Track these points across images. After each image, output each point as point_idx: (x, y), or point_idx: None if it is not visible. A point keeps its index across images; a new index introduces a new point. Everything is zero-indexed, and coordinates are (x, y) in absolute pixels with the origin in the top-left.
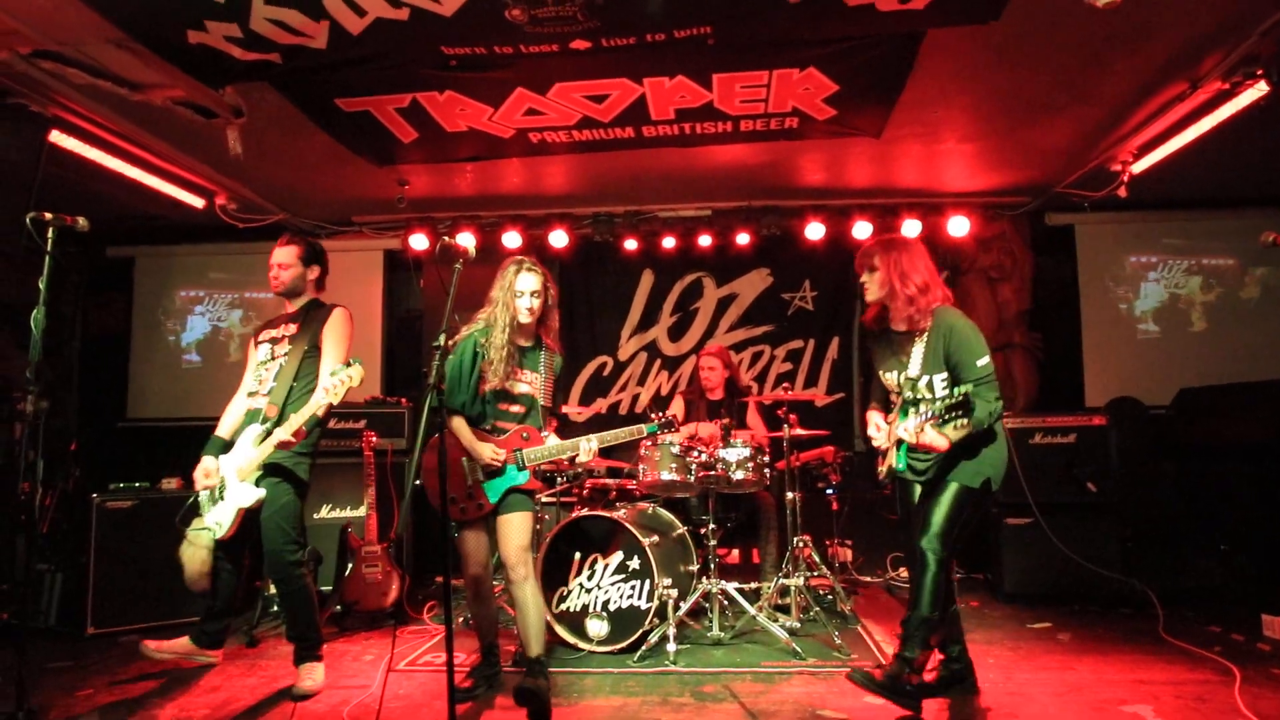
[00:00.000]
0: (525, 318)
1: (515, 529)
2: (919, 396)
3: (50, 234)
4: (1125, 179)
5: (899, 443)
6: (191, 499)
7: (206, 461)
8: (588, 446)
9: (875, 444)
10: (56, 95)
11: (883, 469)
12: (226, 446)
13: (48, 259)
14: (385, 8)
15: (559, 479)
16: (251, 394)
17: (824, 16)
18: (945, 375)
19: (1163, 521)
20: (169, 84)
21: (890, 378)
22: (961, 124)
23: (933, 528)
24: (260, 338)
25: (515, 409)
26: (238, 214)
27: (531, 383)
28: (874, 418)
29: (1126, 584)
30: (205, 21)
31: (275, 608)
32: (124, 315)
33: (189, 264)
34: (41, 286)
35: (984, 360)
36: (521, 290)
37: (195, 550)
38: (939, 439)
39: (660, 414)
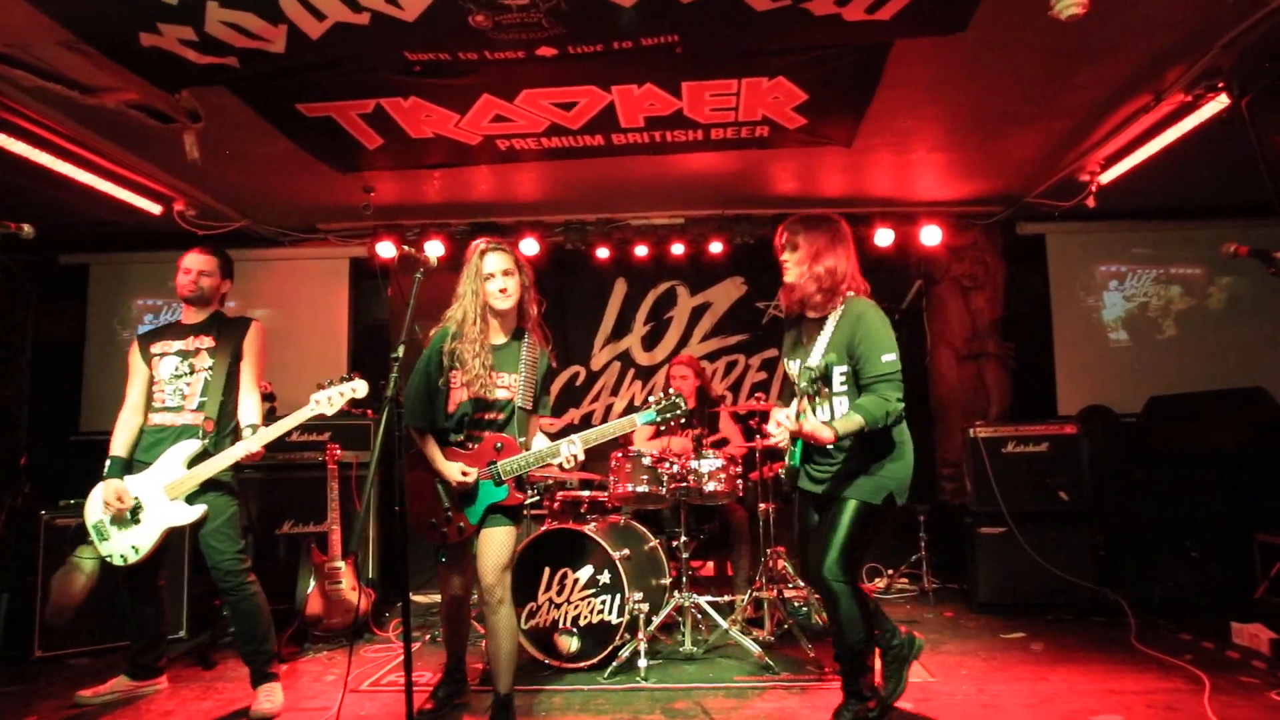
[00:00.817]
0: (500, 302)
1: (493, 547)
2: (814, 386)
3: None
4: (1093, 189)
5: (794, 438)
6: (77, 525)
7: (114, 484)
8: (570, 451)
9: (776, 441)
10: (3, 98)
11: (783, 470)
12: (127, 466)
13: None
14: (345, 11)
15: (529, 490)
16: (172, 409)
17: (791, 26)
18: (846, 368)
19: (1135, 530)
20: (122, 87)
21: (792, 367)
22: (931, 134)
23: (832, 552)
24: (155, 350)
25: (492, 416)
26: (197, 221)
27: (510, 386)
28: (776, 414)
29: (1099, 593)
30: (158, 24)
31: (232, 628)
32: (78, 325)
33: (146, 272)
34: None
35: (890, 356)
36: (491, 272)
37: (78, 575)
38: (822, 430)
39: (663, 396)
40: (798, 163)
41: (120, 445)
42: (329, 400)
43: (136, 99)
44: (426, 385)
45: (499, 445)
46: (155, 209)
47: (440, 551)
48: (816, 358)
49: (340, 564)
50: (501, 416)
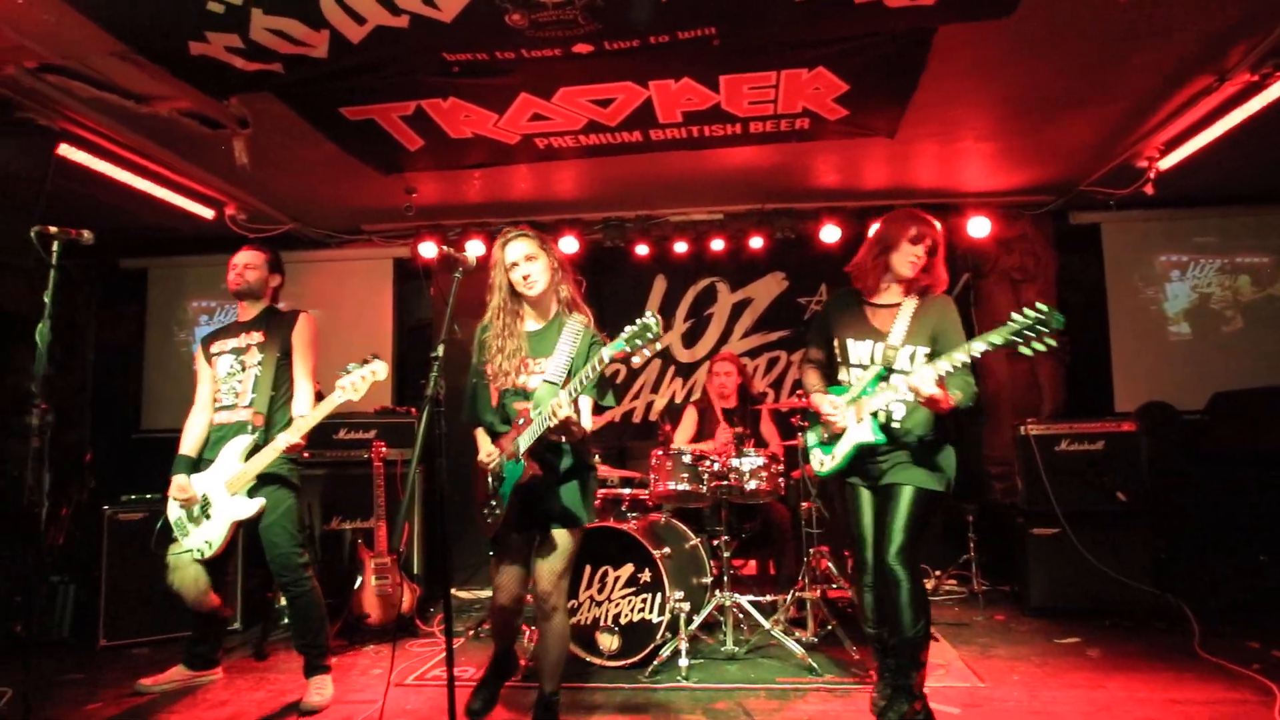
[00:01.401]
0: (526, 289)
1: (550, 552)
2: (895, 368)
3: (55, 247)
4: (1152, 176)
5: (874, 415)
6: (161, 522)
7: (179, 480)
8: (552, 403)
9: (833, 421)
10: (63, 109)
11: (833, 458)
12: (195, 464)
13: (52, 272)
14: (384, 15)
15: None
16: (227, 407)
17: (830, 15)
18: (928, 350)
19: (1197, 532)
20: (173, 95)
21: (860, 347)
22: (979, 122)
23: (897, 539)
24: (214, 350)
25: (528, 404)
26: (247, 224)
27: (545, 369)
28: (827, 397)
29: (1159, 598)
30: (206, 32)
31: (285, 620)
32: (137, 327)
33: (200, 275)
34: (46, 300)
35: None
36: (514, 260)
37: (184, 572)
38: (944, 396)
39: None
40: (839, 155)
41: (187, 444)
42: (352, 386)
43: (188, 107)
44: (475, 389)
45: (520, 421)
46: (208, 213)
47: (490, 545)
48: (898, 338)
49: (386, 560)
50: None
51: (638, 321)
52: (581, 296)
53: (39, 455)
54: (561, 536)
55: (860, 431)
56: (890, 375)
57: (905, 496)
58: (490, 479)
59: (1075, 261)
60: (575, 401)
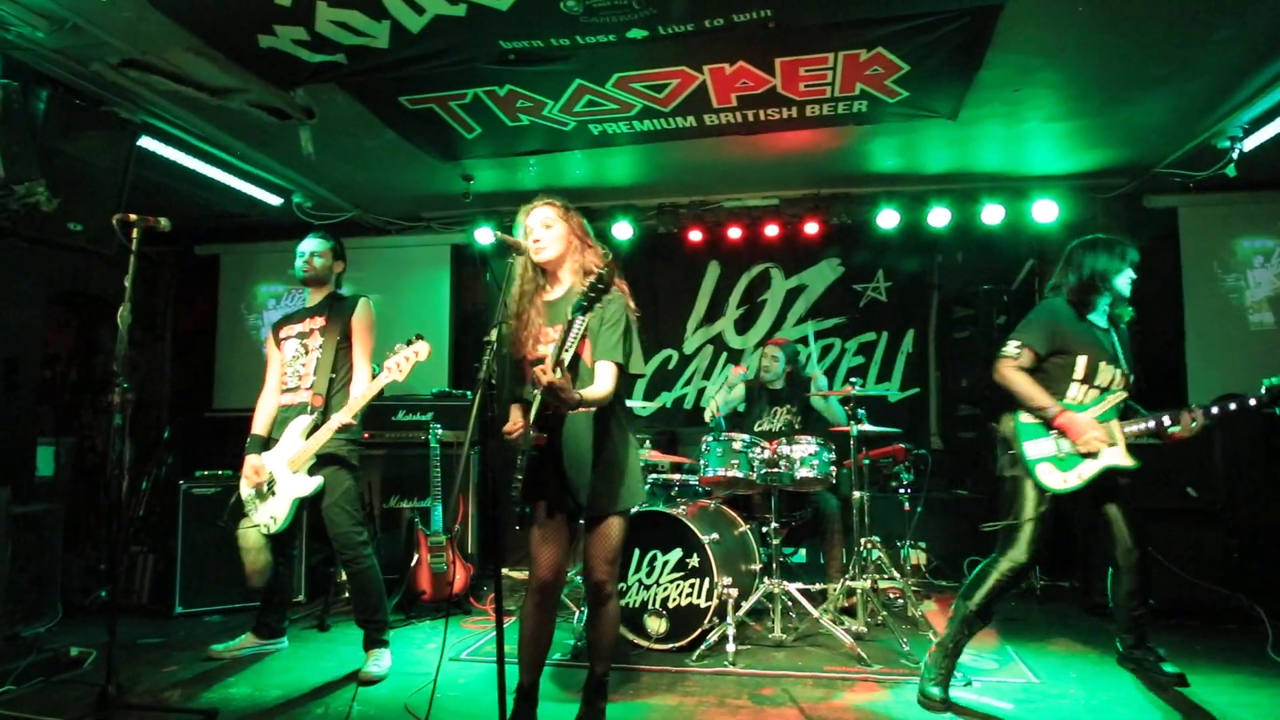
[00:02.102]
0: (536, 255)
1: (600, 539)
2: (1115, 390)
3: (135, 234)
4: (1234, 156)
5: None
6: (234, 498)
7: (251, 459)
8: (540, 368)
9: (1095, 449)
10: (144, 102)
11: (1078, 477)
12: (265, 443)
13: (132, 258)
14: (443, 5)
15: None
16: (291, 389)
17: None
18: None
19: (1273, 531)
20: (244, 88)
21: (1107, 371)
22: (1047, 101)
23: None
24: (282, 334)
25: None
26: (313, 212)
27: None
28: (1088, 420)
29: (1231, 598)
30: (274, 26)
31: (346, 594)
32: (211, 310)
33: (270, 260)
34: (127, 285)
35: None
36: (530, 227)
37: (249, 545)
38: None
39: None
40: (898, 138)
41: (259, 424)
42: (398, 366)
43: (257, 98)
44: (503, 353)
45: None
46: (276, 201)
47: (518, 521)
48: (1127, 364)
49: (442, 539)
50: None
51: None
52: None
53: (120, 432)
54: (611, 524)
55: (1115, 455)
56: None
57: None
58: (518, 453)
59: (1150, 247)
60: (560, 364)
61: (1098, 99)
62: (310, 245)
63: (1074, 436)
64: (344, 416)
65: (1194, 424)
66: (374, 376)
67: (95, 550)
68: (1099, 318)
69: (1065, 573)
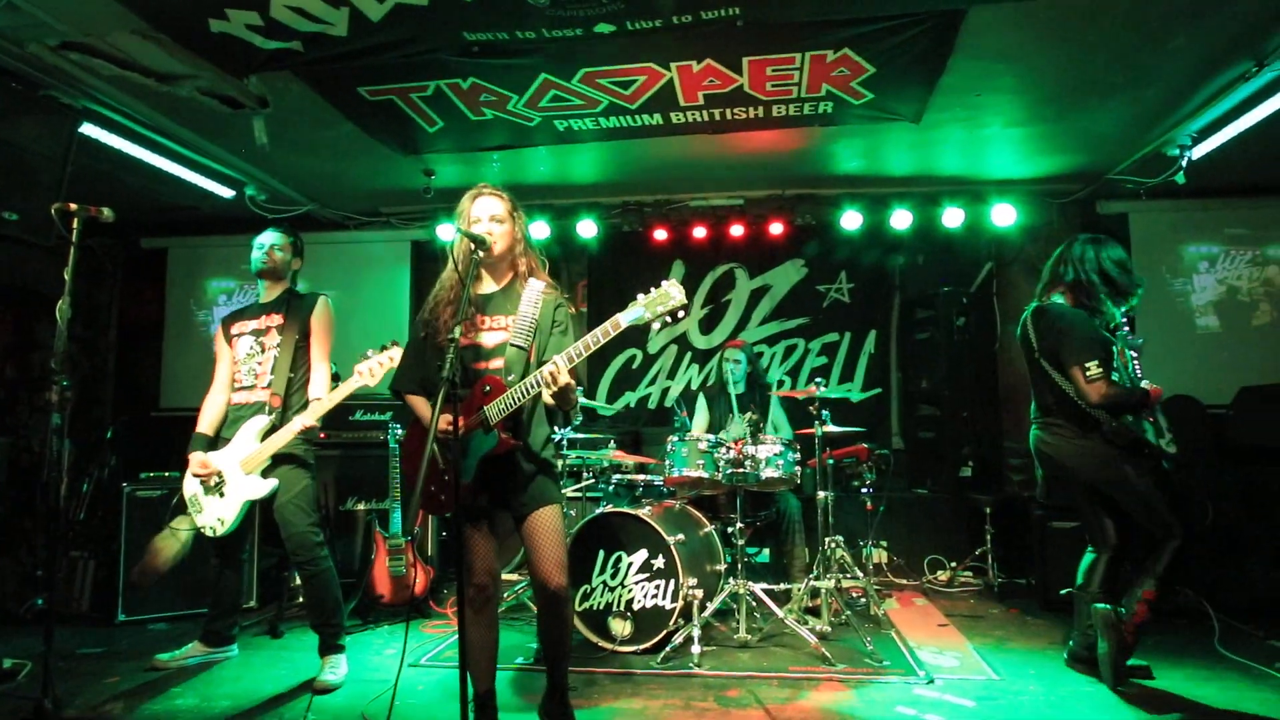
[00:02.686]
0: (489, 246)
1: (546, 537)
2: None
3: (76, 224)
4: (1183, 165)
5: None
6: (177, 498)
7: (199, 456)
8: (548, 370)
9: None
10: (86, 87)
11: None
12: (212, 443)
13: (73, 249)
14: None
15: (585, 474)
16: (246, 388)
17: None
18: None
19: (1220, 528)
20: (194, 74)
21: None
22: (1007, 107)
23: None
24: (234, 330)
25: (495, 365)
26: (267, 205)
27: (505, 328)
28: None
29: (1180, 594)
30: (226, 9)
31: (300, 599)
32: (158, 306)
33: (220, 255)
34: (67, 277)
35: None
36: (479, 216)
37: (172, 542)
38: None
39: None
40: (862, 140)
41: (204, 423)
42: (370, 371)
43: (208, 86)
44: (415, 346)
45: (487, 388)
46: (228, 193)
47: (444, 529)
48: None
49: (401, 541)
50: (496, 362)
51: (654, 290)
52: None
53: (59, 431)
54: (553, 516)
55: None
56: None
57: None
58: (444, 451)
59: None
60: (573, 368)
61: (1056, 106)
62: (270, 238)
63: (1155, 400)
64: (308, 419)
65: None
66: (334, 378)
67: (31, 556)
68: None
69: (1021, 570)
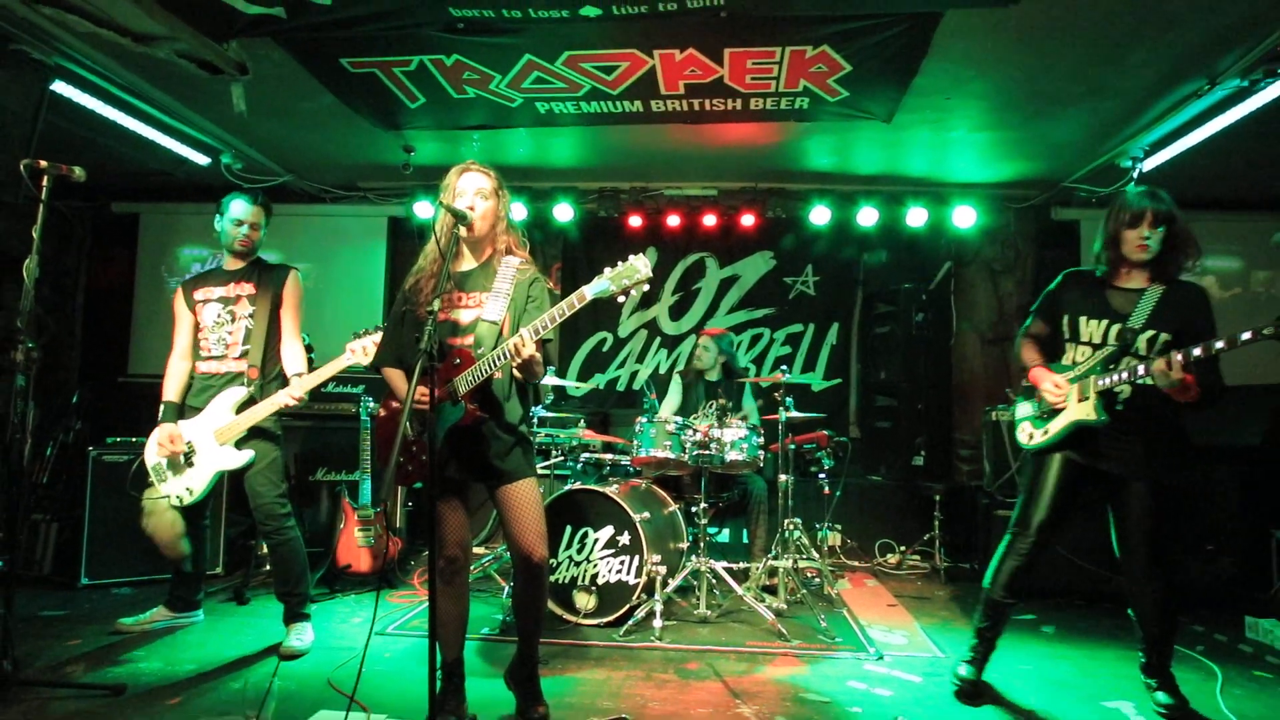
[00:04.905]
0: (471, 221)
1: (525, 509)
2: (1133, 349)
3: (46, 183)
4: (1135, 176)
5: (1100, 395)
6: (137, 465)
7: (168, 428)
8: (514, 341)
9: (1054, 401)
10: (59, 43)
11: (1044, 433)
12: (180, 411)
13: (42, 207)
14: None
15: (554, 452)
16: (216, 357)
17: None
18: (1171, 338)
19: None
20: (172, 36)
21: (1092, 325)
22: (974, 112)
23: (1145, 551)
24: (199, 296)
25: (467, 341)
26: (243, 174)
27: (480, 304)
28: (1050, 374)
29: (1113, 580)
30: None
31: (266, 566)
32: (128, 271)
33: (194, 223)
34: (35, 235)
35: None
36: (463, 190)
37: (159, 518)
38: (1192, 383)
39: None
40: (834, 137)
41: (172, 391)
42: (363, 350)
43: (186, 48)
44: (394, 320)
45: (457, 361)
46: (203, 160)
47: (411, 499)
48: (1141, 320)
49: (370, 512)
50: (470, 338)
51: (621, 264)
52: (524, 256)
53: (24, 394)
54: (531, 488)
55: (1081, 410)
56: (1123, 357)
57: (1143, 498)
58: (413, 423)
59: (1055, 256)
60: (540, 341)
61: (1019, 113)
62: (249, 215)
63: (1038, 385)
64: (295, 393)
65: (1170, 370)
66: (308, 349)
67: None
68: (1135, 281)
69: (966, 555)
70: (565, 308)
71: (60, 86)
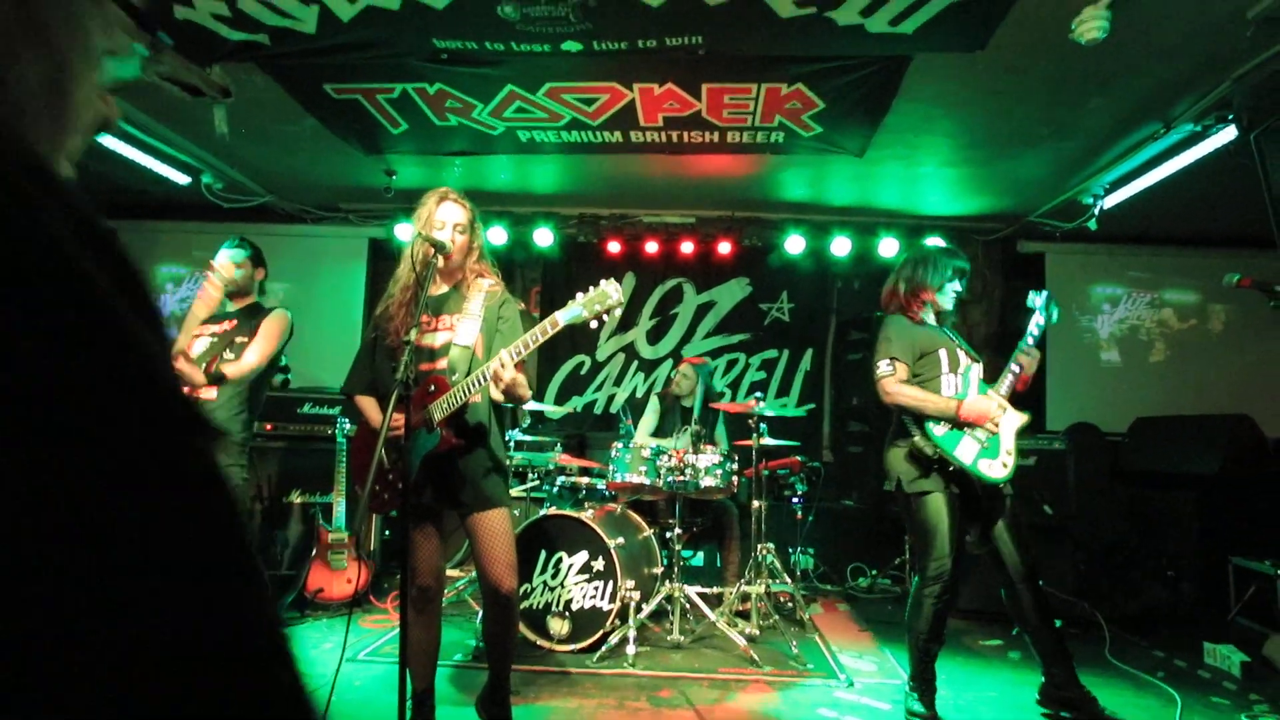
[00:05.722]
0: (449, 253)
1: (494, 539)
2: (970, 366)
3: None
4: (1096, 212)
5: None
6: None
7: None
8: (493, 365)
9: (997, 419)
10: None
11: (1009, 455)
12: None
13: None
14: None
15: (530, 475)
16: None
17: (814, 34)
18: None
19: (1114, 546)
20: (154, 58)
21: (960, 354)
22: (943, 149)
23: (1029, 553)
24: (195, 331)
25: (440, 365)
26: (223, 194)
27: (452, 328)
28: (985, 399)
29: (1077, 605)
30: None
31: None
32: None
33: (172, 241)
34: None
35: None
36: (442, 221)
37: None
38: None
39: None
40: (809, 169)
41: None
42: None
43: (169, 72)
44: (365, 348)
45: (432, 388)
46: (183, 179)
47: (389, 527)
48: (965, 358)
49: (344, 535)
50: (443, 362)
51: (593, 289)
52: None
53: None
54: (503, 519)
55: (1014, 417)
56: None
57: (1009, 513)
58: (389, 451)
59: (1020, 287)
60: (519, 364)
61: (986, 150)
62: (228, 258)
63: (982, 419)
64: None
65: (1033, 356)
66: (284, 370)
67: None
68: (928, 316)
69: None
70: (539, 333)
71: None
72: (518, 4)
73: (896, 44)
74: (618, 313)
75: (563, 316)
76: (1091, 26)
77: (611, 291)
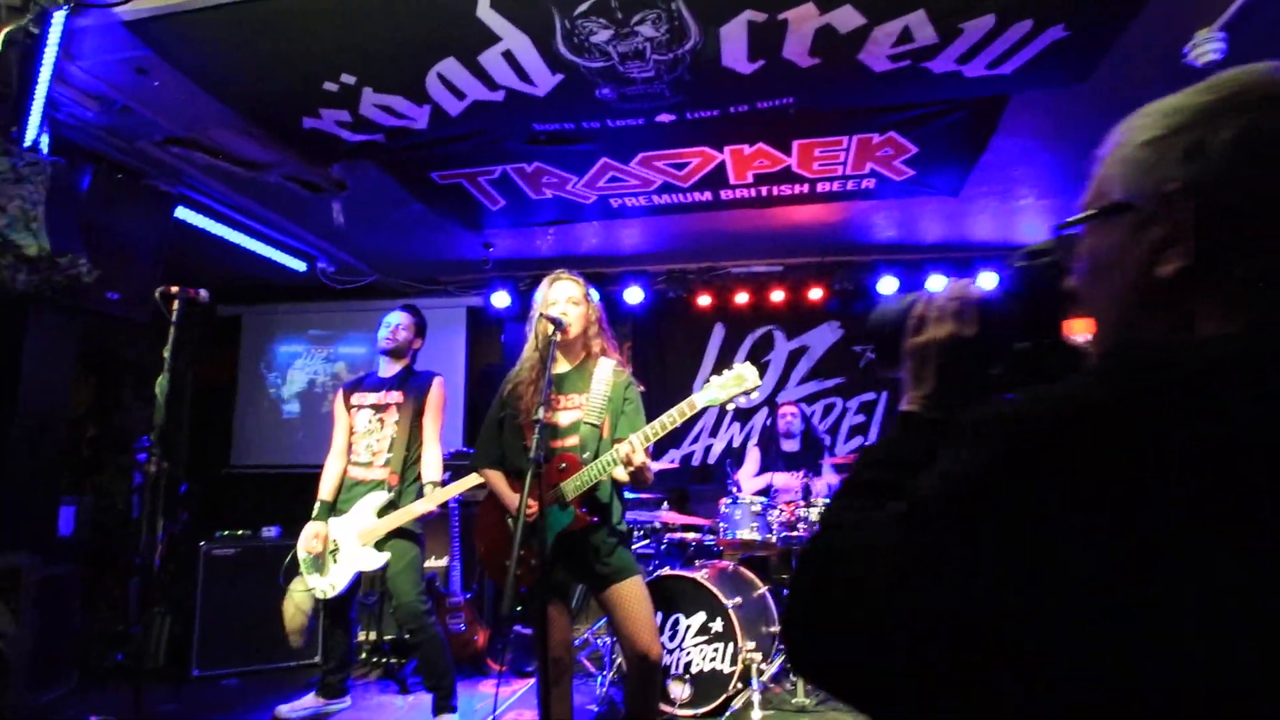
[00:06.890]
0: (566, 326)
1: (635, 606)
2: None
3: (176, 305)
4: None
5: None
6: (290, 557)
7: (318, 526)
8: (624, 449)
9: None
10: (181, 175)
11: None
12: (331, 509)
13: (173, 330)
14: (482, 90)
15: (636, 534)
16: (364, 464)
17: (909, 84)
18: None
19: None
20: (281, 163)
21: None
22: (1043, 180)
23: None
24: (354, 401)
25: (569, 443)
26: (335, 276)
27: (580, 405)
28: None
29: None
30: (319, 109)
31: (362, 654)
32: (230, 368)
33: (290, 321)
34: (166, 355)
35: None
36: (555, 299)
37: (296, 608)
38: None
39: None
40: (899, 211)
41: (327, 490)
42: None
43: (292, 172)
44: (492, 423)
45: (563, 465)
46: (300, 266)
47: (516, 602)
48: None
49: (459, 599)
50: (571, 440)
51: (727, 371)
52: (620, 354)
53: (153, 501)
54: (640, 586)
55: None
56: None
57: None
58: (522, 528)
59: None
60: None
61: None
62: (397, 318)
63: None
64: (428, 505)
65: None
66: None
67: (111, 611)
68: None
69: None
70: (676, 414)
71: (180, 211)
72: (615, 85)
73: (996, 85)
74: (757, 396)
75: (700, 400)
76: (1207, 50)
77: (749, 375)
